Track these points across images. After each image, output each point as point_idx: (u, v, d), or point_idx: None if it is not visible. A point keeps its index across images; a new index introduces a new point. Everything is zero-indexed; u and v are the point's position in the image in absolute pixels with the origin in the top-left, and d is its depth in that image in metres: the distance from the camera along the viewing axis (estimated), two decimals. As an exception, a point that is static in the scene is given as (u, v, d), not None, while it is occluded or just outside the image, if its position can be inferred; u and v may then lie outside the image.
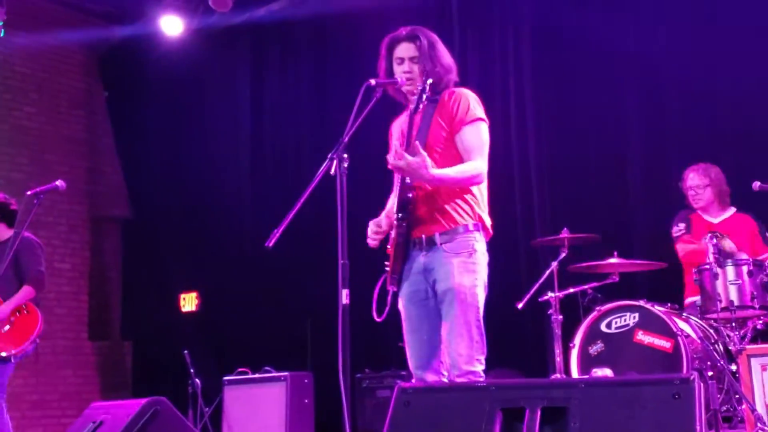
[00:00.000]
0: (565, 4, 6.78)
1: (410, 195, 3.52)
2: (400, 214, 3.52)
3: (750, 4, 6.00)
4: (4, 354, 5.63)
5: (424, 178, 3.39)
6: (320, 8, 7.90)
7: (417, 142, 3.36)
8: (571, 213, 6.40)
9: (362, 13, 7.73)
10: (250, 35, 8.73)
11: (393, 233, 3.60)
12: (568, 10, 6.76)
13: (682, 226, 5.58)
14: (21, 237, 5.94)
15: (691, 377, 2.34)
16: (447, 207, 3.52)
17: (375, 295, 3.63)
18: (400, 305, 3.64)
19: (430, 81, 3.44)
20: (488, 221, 3.63)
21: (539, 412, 2.42)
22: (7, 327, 5.70)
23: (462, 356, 3.40)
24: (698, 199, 5.57)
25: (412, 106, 3.69)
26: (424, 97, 3.42)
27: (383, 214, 3.77)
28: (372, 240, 3.69)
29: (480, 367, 3.43)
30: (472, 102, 3.59)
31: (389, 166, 3.40)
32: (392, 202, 3.73)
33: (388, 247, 3.65)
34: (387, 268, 3.64)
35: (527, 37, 6.99)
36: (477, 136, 3.56)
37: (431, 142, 3.54)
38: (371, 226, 3.70)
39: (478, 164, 3.52)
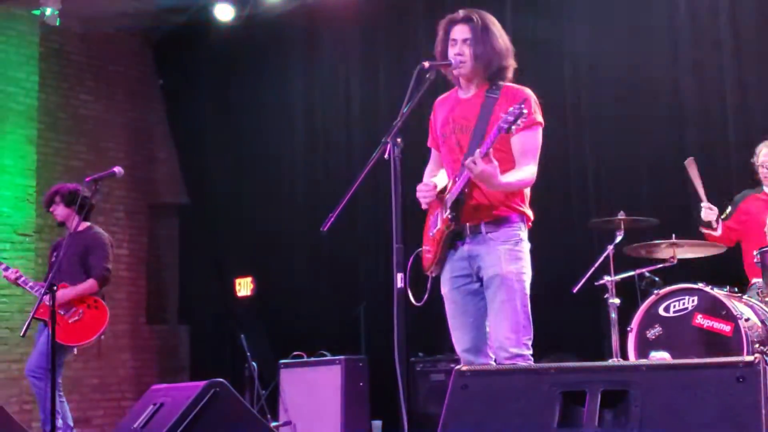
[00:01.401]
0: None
1: (464, 196, 3.53)
2: (452, 213, 3.53)
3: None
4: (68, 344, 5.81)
5: (492, 186, 3.40)
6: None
7: (491, 152, 3.32)
8: (627, 196, 6.32)
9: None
10: (302, 21, 8.74)
11: (439, 222, 3.62)
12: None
13: (728, 210, 5.49)
14: (92, 232, 6.09)
15: (756, 360, 2.30)
16: (493, 200, 3.55)
17: (407, 276, 3.63)
18: (443, 290, 3.68)
19: (525, 111, 3.24)
20: (531, 215, 3.65)
21: (600, 396, 2.39)
22: (76, 318, 5.86)
23: (510, 339, 3.45)
24: None
25: (463, 95, 3.68)
26: (520, 121, 3.25)
27: (428, 178, 3.76)
28: (425, 200, 3.64)
29: (528, 351, 3.47)
30: (533, 105, 3.57)
31: (465, 165, 3.36)
32: (438, 177, 3.74)
33: (431, 233, 3.67)
34: (429, 255, 3.67)
35: (582, 16, 6.89)
36: (534, 141, 3.57)
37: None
38: (422, 187, 3.65)
39: (533, 170, 3.54)
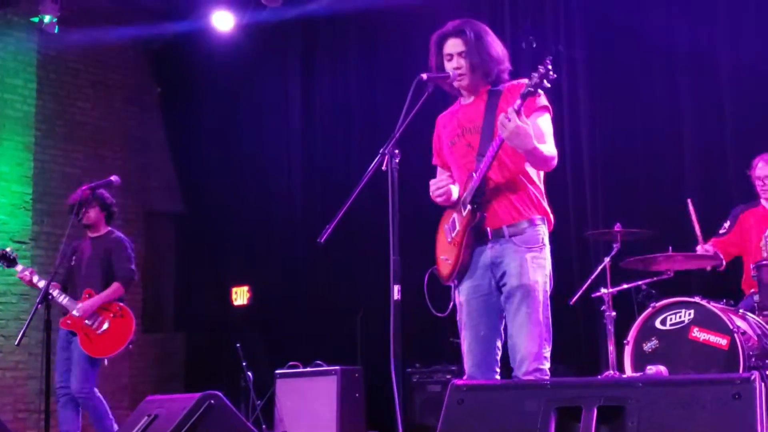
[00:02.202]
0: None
1: (486, 183, 3.46)
2: (473, 205, 3.46)
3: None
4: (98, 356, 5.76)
5: (526, 145, 3.29)
6: (370, 2, 7.89)
7: (523, 114, 3.27)
8: (624, 208, 6.31)
9: (412, 7, 7.70)
10: (301, 30, 8.76)
11: (457, 224, 3.54)
12: (621, 1, 6.67)
13: (726, 225, 5.49)
14: (113, 236, 6.03)
15: (752, 377, 2.29)
16: (514, 199, 3.49)
17: (426, 288, 3.60)
18: (460, 299, 3.58)
19: (550, 67, 3.25)
20: (551, 215, 3.60)
21: (595, 411, 2.38)
22: (104, 329, 5.77)
23: (532, 354, 3.38)
24: (766, 189, 5.43)
25: (466, 102, 3.67)
26: (545, 81, 3.25)
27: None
28: (439, 197, 3.59)
29: (547, 365, 3.42)
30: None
31: (499, 128, 3.27)
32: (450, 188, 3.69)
33: (449, 239, 3.59)
34: (449, 262, 3.57)
35: (580, 29, 6.91)
36: (547, 123, 3.53)
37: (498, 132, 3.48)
38: (435, 184, 3.61)
39: (554, 148, 3.48)
